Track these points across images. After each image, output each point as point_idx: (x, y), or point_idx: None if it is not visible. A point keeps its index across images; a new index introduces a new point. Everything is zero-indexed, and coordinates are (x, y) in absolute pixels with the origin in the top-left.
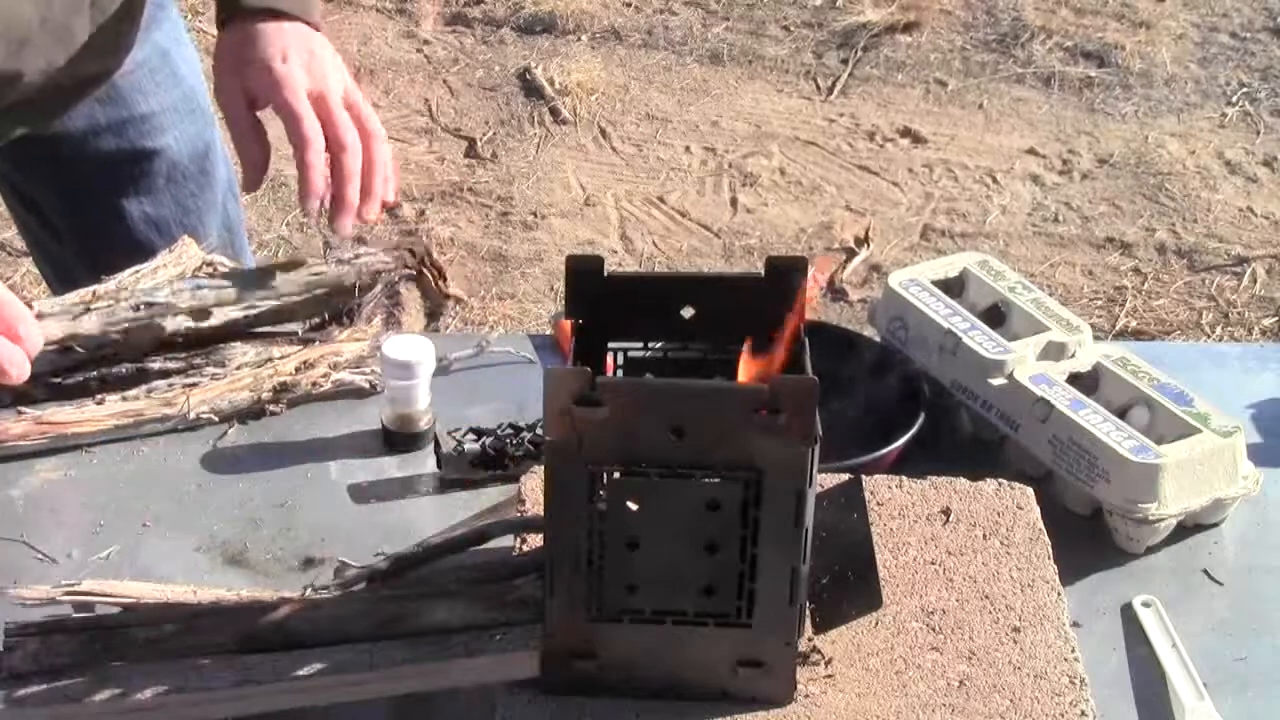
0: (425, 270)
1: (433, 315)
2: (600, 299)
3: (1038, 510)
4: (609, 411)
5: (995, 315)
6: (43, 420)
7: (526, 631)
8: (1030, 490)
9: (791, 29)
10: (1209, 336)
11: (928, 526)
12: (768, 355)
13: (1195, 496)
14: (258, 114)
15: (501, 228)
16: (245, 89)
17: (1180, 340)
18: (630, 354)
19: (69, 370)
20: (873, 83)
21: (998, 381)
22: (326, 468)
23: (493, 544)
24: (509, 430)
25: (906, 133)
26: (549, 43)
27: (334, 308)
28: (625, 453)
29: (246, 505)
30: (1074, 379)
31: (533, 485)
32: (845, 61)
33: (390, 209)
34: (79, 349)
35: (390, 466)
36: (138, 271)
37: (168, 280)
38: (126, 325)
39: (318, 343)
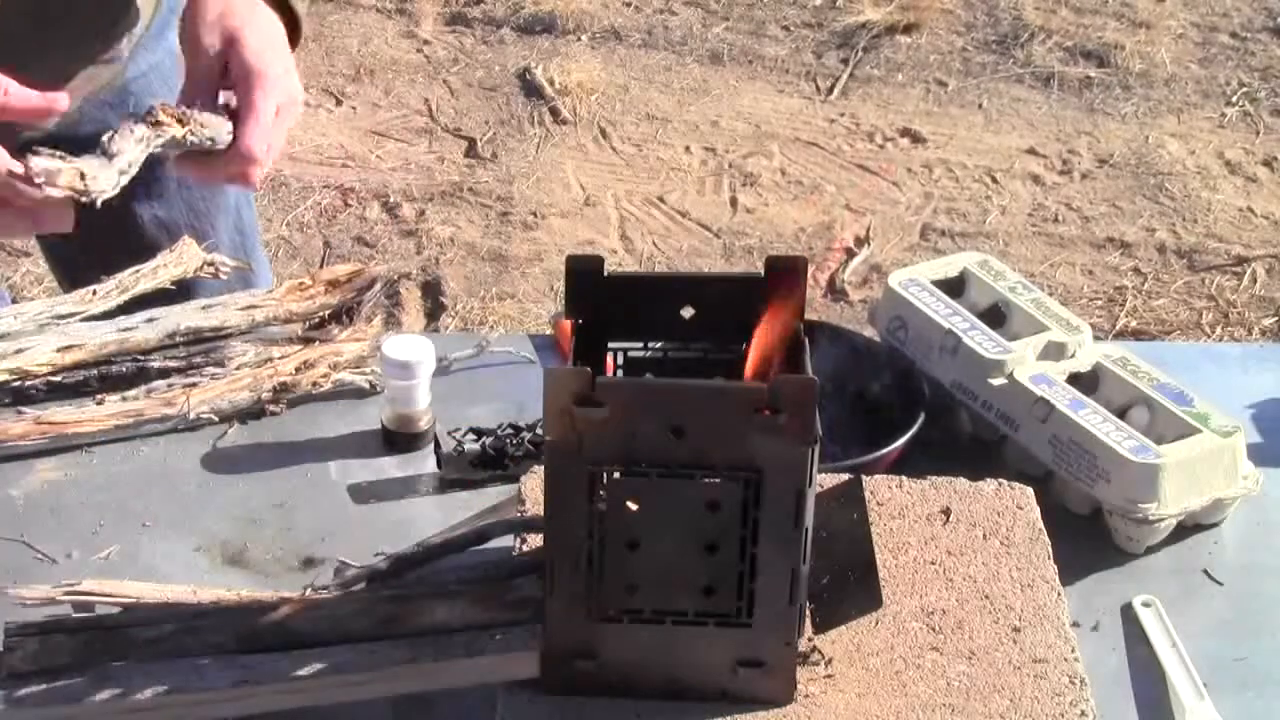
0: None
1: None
2: (600, 299)
3: (1038, 510)
4: (609, 411)
5: (995, 315)
6: (43, 420)
7: (526, 631)
8: (1030, 490)
9: (791, 29)
10: (1209, 336)
11: (928, 526)
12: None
13: (1195, 496)
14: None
15: (501, 228)
16: (223, 55)
17: (1180, 340)
18: (630, 354)
19: (69, 370)
20: (873, 83)
21: (998, 381)
22: (326, 468)
23: (493, 544)
24: (509, 430)
25: (906, 133)
26: (549, 43)
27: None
28: (625, 453)
29: (246, 505)
30: (1074, 379)
31: (533, 485)
32: (845, 61)
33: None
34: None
35: (390, 466)
36: (138, 271)
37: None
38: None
39: (318, 343)
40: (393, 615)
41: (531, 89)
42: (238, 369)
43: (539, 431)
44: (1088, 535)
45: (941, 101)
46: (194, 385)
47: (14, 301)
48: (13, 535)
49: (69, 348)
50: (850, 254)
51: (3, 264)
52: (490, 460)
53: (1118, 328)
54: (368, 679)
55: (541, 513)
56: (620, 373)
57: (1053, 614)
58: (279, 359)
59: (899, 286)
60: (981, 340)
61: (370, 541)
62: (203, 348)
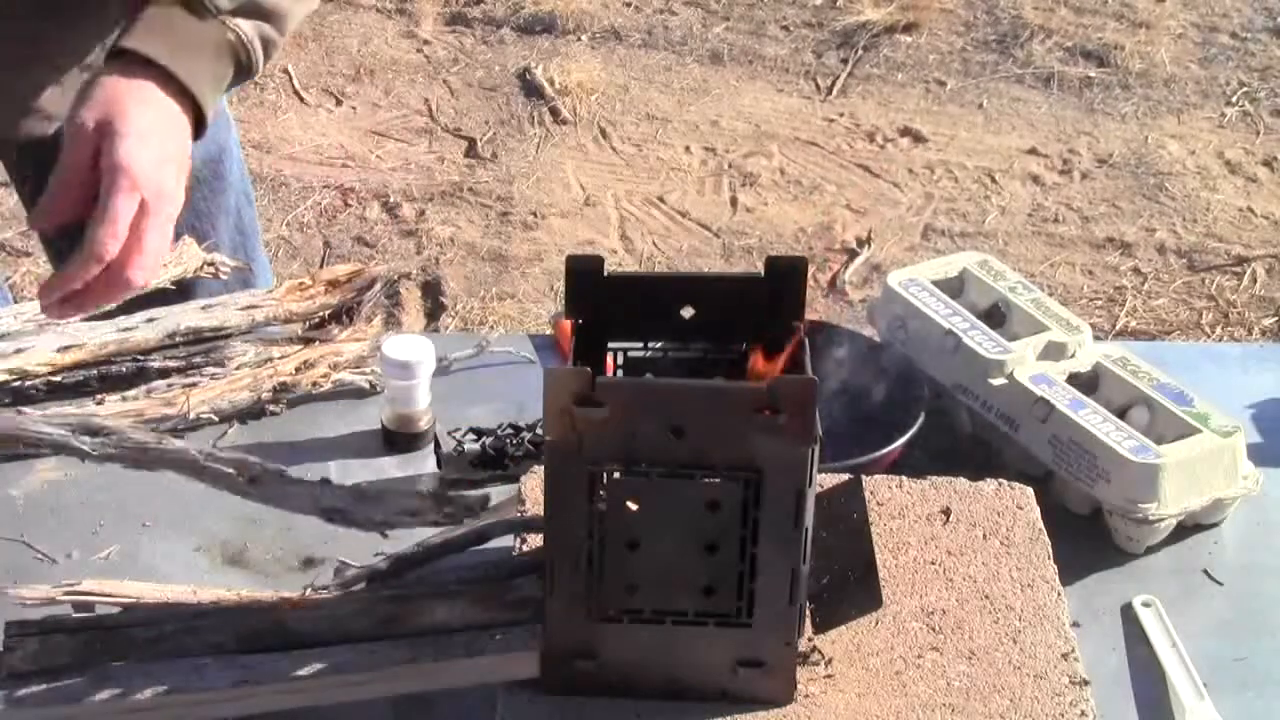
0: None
1: None
2: (600, 299)
3: (1038, 510)
4: (609, 411)
5: (995, 315)
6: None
7: (526, 631)
8: (1030, 490)
9: (791, 29)
10: (1209, 336)
11: (928, 526)
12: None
13: (1195, 496)
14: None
15: (501, 228)
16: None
17: (1180, 340)
18: (630, 354)
19: (69, 370)
20: (873, 83)
21: (998, 381)
22: (326, 468)
23: (493, 544)
24: (509, 430)
25: (906, 132)
26: (549, 43)
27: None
28: (625, 453)
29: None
30: (1074, 379)
31: (533, 485)
32: (845, 61)
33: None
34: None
35: (390, 466)
36: None
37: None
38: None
39: (318, 343)
40: (393, 615)
41: (531, 89)
42: (238, 369)
43: (539, 431)
44: (1088, 535)
45: (941, 101)
46: (194, 385)
47: (14, 301)
48: (13, 535)
49: (69, 348)
50: (851, 254)
51: (3, 264)
52: (490, 460)
53: (1118, 328)
54: (368, 679)
55: (541, 513)
56: (620, 373)
57: (1053, 614)
58: (279, 359)
59: (899, 286)
60: (981, 340)
61: (370, 541)
62: (203, 348)
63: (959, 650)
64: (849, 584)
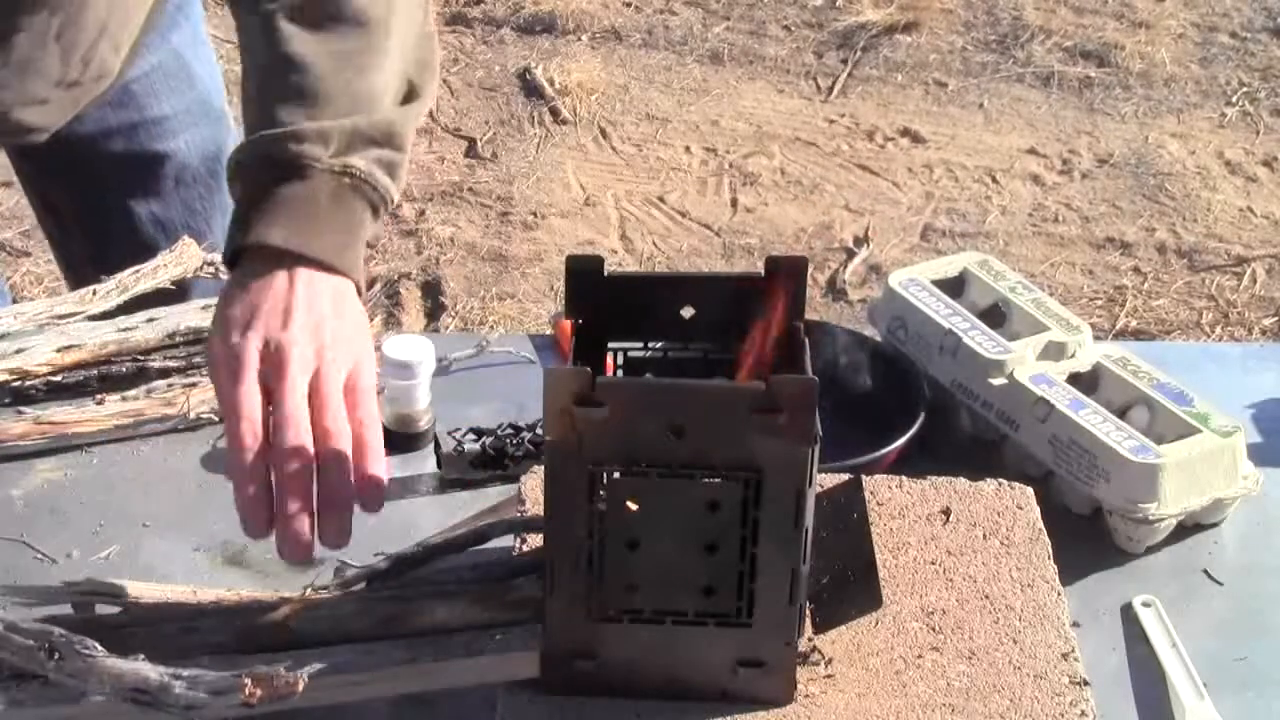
0: None
1: None
2: (600, 299)
3: (1038, 510)
4: (609, 411)
5: (995, 315)
6: (43, 420)
7: (526, 631)
8: (1030, 490)
9: (791, 29)
10: (1209, 336)
11: (928, 526)
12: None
13: (1195, 496)
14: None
15: (501, 228)
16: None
17: (1180, 340)
18: (630, 354)
19: (69, 370)
20: (872, 83)
21: (998, 381)
22: None
23: (493, 544)
24: (509, 430)
25: (906, 133)
26: (549, 43)
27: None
28: (625, 453)
29: None
30: (1074, 379)
31: (533, 485)
32: (845, 61)
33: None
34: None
35: (390, 466)
36: (138, 271)
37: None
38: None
39: None
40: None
41: (531, 89)
42: None
43: (539, 431)
44: (1088, 535)
45: (941, 101)
46: (194, 385)
47: (14, 301)
48: (13, 535)
49: (69, 348)
50: (850, 254)
51: (3, 264)
52: (490, 460)
53: (1118, 328)
54: (368, 679)
55: (541, 513)
56: (620, 373)
57: (1053, 614)
58: None
59: (899, 286)
60: (981, 340)
61: (370, 541)
62: (203, 348)
63: (959, 650)
64: (849, 584)
